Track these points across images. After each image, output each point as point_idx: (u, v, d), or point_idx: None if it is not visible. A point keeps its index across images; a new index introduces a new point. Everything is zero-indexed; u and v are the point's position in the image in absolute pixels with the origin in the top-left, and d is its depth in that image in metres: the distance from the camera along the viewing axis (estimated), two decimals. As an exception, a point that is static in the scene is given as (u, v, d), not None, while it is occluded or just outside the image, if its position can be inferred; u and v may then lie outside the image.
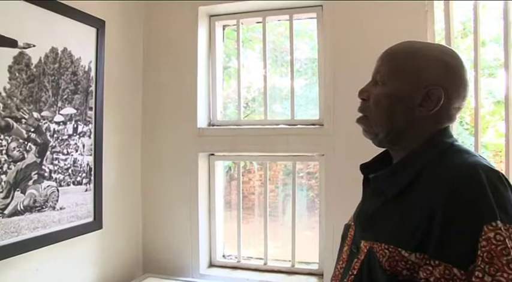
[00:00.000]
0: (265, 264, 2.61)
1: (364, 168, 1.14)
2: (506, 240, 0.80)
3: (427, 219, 0.88)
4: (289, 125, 2.54)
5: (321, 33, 2.48)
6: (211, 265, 2.69)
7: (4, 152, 1.72)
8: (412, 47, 1.05)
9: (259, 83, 2.75)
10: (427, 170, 0.96)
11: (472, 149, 1.02)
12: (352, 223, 1.13)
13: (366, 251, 0.98)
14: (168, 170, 2.65)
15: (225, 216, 2.81)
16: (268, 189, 2.64)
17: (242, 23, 2.71)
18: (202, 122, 2.64)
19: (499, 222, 0.81)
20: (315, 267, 2.51)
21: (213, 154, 2.69)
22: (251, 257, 2.71)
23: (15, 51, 1.76)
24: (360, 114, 1.09)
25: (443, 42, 2.25)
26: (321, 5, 2.44)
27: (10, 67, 1.74)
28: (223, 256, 2.75)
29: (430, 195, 0.90)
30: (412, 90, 1.00)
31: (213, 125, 2.71)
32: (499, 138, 3.03)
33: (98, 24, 2.25)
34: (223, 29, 2.81)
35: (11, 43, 1.75)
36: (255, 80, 2.84)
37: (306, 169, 2.75)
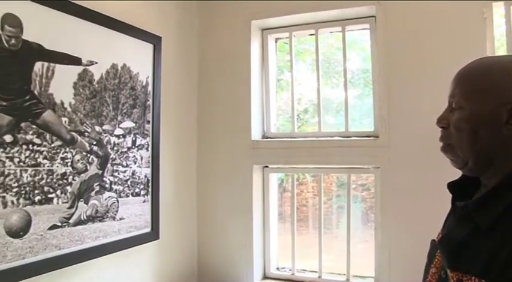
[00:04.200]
0: (319, 277, 2.57)
1: (452, 185, 1.06)
2: None
3: None
4: (343, 136, 2.51)
5: (374, 44, 2.45)
6: (265, 277, 2.69)
7: (69, 164, 1.81)
8: (485, 63, 0.97)
9: (310, 94, 2.75)
10: None
11: None
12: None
13: None
14: (222, 182, 2.68)
15: (279, 228, 2.80)
16: (322, 201, 2.62)
17: (294, 36, 2.72)
18: (256, 134, 2.66)
19: None
20: (370, 281, 2.46)
21: (267, 166, 2.70)
22: (305, 270, 2.68)
23: (79, 69, 1.86)
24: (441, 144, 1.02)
25: (503, 49, 2.16)
26: (374, 16, 2.42)
27: (75, 84, 1.84)
28: (278, 268, 2.74)
29: None
30: (495, 108, 0.90)
31: (267, 138, 2.72)
32: None
33: (155, 41, 2.33)
34: (276, 41, 2.84)
35: (76, 61, 1.85)
36: (305, 92, 2.84)
37: (359, 181, 2.70)
